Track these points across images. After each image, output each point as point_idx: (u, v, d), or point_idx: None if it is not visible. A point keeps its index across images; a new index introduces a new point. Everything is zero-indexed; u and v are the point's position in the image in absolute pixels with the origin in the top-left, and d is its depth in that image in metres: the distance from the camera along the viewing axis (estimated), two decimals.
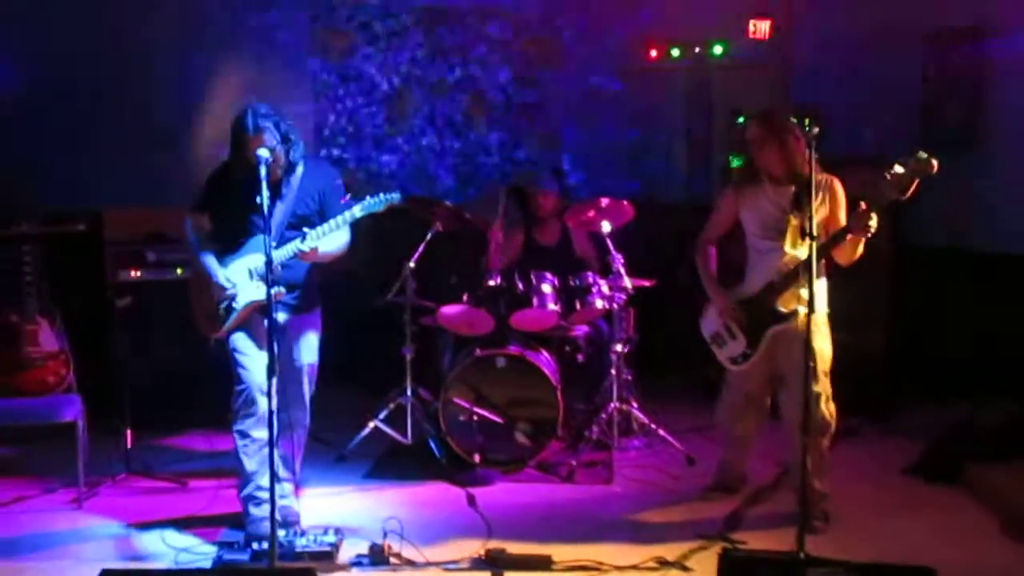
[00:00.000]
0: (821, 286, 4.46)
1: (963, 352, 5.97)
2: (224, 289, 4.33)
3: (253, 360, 4.37)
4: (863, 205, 4.15)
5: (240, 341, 4.41)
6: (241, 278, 4.35)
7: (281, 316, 4.38)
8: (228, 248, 4.41)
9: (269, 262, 3.84)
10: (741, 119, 4.01)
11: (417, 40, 7.97)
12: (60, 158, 6.75)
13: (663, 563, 4.15)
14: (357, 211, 4.31)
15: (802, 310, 4.20)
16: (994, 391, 5.39)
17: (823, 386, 4.43)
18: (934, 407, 5.82)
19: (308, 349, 4.55)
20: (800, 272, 4.31)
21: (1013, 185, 5.77)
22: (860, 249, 4.32)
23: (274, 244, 4.23)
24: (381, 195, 4.37)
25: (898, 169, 3.93)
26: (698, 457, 5.46)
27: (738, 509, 4.77)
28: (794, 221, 4.42)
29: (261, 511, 4.39)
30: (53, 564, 4.23)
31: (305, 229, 4.26)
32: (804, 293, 4.12)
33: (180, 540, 4.46)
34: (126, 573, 4.07)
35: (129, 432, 5.40)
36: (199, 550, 4.33)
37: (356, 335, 7.02)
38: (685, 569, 4.12)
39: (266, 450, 4.07)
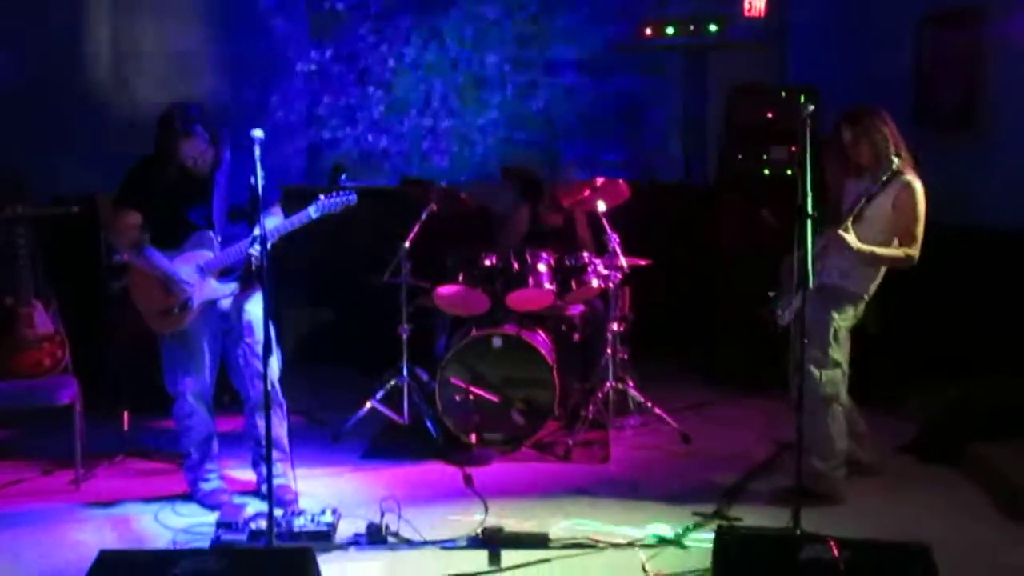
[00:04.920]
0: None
1: (957, 331, 5.96)
2: (188, 288, 4.38)
3: (198, 352, 4.51)
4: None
5: (190, 329, 4.49)
6: (192, 276, 4.41)
7: (227, 302, 4.51)
8: (167, 246, 4.44)
9: (264, 239, 3.82)
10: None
11: (410, 21, 7.94)
12: (55, 146, 6.72)
13: (660, 541, 4.16)
14: (313, 212, 4.37)
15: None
16: (987, 368, 5.39)
17: (815, 355, 4.43)
18: (928, 385, 5.81)
19: (258, 322, 4.52)
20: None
21: (1009, 164, 5.75)
22: (881, 254, 4.50)
23: (219, 239, 4.40)
24: (337, 196, 4.41)
25: None
26: (694, 435, 5.48)
27: (734, 487, 4.78)
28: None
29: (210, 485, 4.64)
30: (51, 546, 4.23)
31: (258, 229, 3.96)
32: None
33: (177, 521, 4.47)
34: (124, 554, 4.07)
35: (126, 414, 5.40)
36: (197, 530, 4.33)
37: (352, 316, 7.04)
38: (682, 547, 4.13)
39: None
